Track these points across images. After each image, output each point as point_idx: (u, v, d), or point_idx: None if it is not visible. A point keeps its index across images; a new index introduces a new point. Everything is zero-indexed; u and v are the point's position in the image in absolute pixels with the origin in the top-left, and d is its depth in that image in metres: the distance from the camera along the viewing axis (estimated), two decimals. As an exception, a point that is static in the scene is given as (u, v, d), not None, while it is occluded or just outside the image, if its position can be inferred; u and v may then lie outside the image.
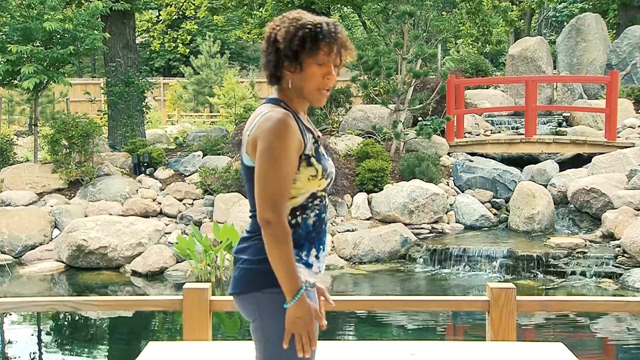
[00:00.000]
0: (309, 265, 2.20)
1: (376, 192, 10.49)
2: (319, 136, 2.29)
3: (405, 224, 9.88)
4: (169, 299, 4.01)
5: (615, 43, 17.49)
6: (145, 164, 11.90)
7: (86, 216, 10.20)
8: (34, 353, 6.48)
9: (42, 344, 6.81)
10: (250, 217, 2.25)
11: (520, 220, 9.98)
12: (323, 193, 2.24)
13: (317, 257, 2.23)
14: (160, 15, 24.76)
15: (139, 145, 12.34)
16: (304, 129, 2.19)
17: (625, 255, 8.48)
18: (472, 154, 12.21)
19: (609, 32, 19.66)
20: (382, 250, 9.36)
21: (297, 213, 2.19)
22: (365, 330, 6.96)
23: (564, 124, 14.30)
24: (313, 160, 2.18)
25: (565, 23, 22.07)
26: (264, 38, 2.23)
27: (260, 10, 19.49)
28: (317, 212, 2.23)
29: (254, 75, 27.56)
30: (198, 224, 9.96)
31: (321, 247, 2.25)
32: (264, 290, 2.16)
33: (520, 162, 12.39)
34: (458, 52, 25.85)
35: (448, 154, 12.08)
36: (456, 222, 10.37)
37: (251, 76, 26.75)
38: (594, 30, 17.17)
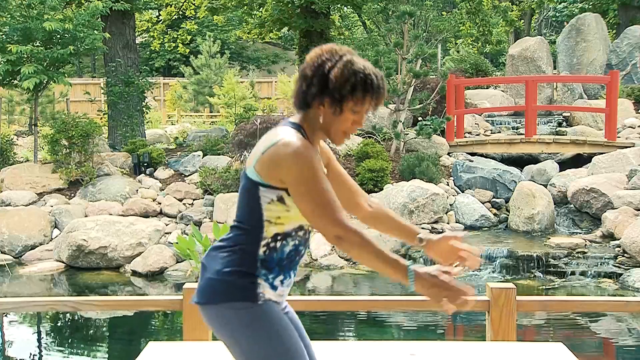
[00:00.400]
0: (273, 287, 2.19)
1: (376, 192, 10.49)
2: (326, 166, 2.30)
3: (405, 224, 9.86)
4: (169, 299, 4.01)
5: (615, 43, 17.49)
6: (145, 164, 11.90)
7: (86, 216, 10.20)
8: (34, 353, 6.48)
9: (42, 344, 6.82)
10: (231, 227, 2.24)
11: (520, 220, 9.98)
12: (309, 227, 2.24)
13: (282, 282, 2.23)
14: (160, 15, 24.78)
15: (139, 145, 12.34)
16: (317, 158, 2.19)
17: (625, 255, 8.48)
18: (472, 154, 12.21)
19: (609, 32, 19.66)
20: (382, 250, 9.34)
21: (279, 238, 2.19)
22: (365, 330, 6.96)
23: (564, 124, 14.30)
24: None
25: (565, 23, 22.08)
26: (308, 65, 2.19)
27: (260, 10, 19.49)
28: (297, 243, 2.23)
29: (254, 75, 27.55)
30: (198, 224, 9.96)
31: (289, 275, 2.25)
32: (229, 303, 2.15)
33: (520, 162, 12.39)
34: (458, 52, 25.85)
35: (448, 154, 12.08)
36: (456, 222, 10.36)
37: (251, 76, 26.74)
38: (594, 30, 17.17)
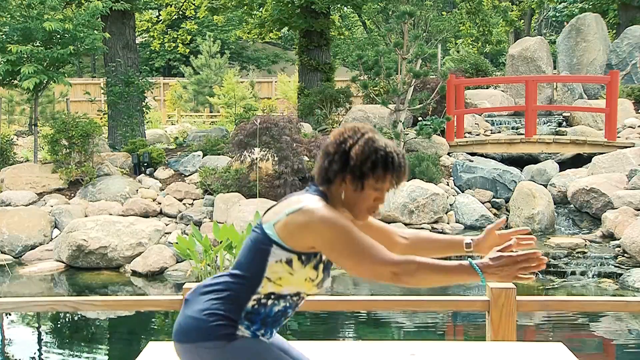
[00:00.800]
0: (254, 335, 2.19)
1: (376, 192, 10.48)
2: None
3: (405, 224, 9.87)
4: (169, 299, 4.01)
5: (615, 43, 17.49)
6: (145, 164, 11.90)
7: (86, 216, 10.20)
8: (34, 353, 6.48)
9: (42, 344, 6.81)
10: (229, 273, 2.23)
11: (520, 220, 9.98)
12: (304, 296, 2.26)
13: (262, 335, 2.23)
14: (160, 15, 24.78)
15: (139, 145, 12.34)
16: None
17: (625, 255, 8.48)
18: (472, 154, 12.21)
19: (609, 32, 19.65)
20: (382, 250, 9.34)
21: (272, 297, 2.19)
22: (365, 330, 6.96)
23: (564, 124, 14.30)
24: (321, 266, 2.20)
25: (565, 23, 22.07)
26: (331, 142, 2.22)
27: (260, 10, 19.49)
28: (287, 305, 2.23)
29: (254, 75, 27.56)
30: (198, 224, 9.96)
31: (270, 331, 2.25)
32: (205, 343, 2.15)
33: (520, 162, 12.39)
34: (458, 52, 25.86)
35: (448, 154, 12.08)
36: (456, 222, 10.37)
37: (251, 76, 26.75)
38: (594, 30, 17.17)
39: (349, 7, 18.64)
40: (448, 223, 10.28)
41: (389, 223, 9.89)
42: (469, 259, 2.13)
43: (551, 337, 6.56)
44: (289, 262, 2.15)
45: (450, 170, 11.55)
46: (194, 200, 10.83)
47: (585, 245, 9.00)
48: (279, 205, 2.22)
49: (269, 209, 2.24)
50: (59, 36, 12.17)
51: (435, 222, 10.17)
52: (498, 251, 2.13)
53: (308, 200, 2.16)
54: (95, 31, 12.50)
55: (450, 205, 10.53)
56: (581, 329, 6.90)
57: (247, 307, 2.16)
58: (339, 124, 13.72)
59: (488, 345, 3.28)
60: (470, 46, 26.70)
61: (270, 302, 2.18)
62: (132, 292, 8.41)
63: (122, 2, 13.24)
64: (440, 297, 3.84)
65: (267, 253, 2.16)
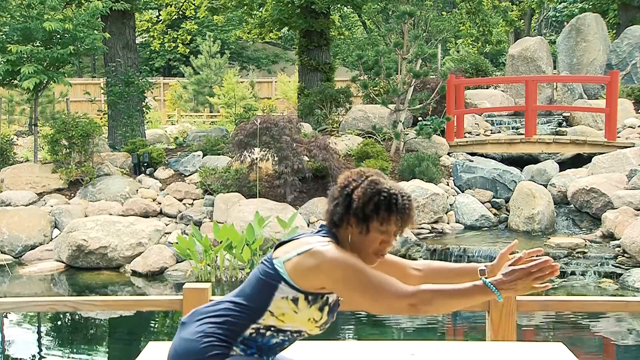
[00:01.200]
0: (248, 354, 2.20)
1: (376, 192, 10.47)
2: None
3: (405, 224, 9.86)
4: (169, 299, 4.00)
5: (615, 43, 17.49)
6: (145, 164, 11.90)
7: (86, 216, 10.20)
8: (34, 353, 6.48)
9: (42, 344, 6.81)
10: (231, 301, 2.24)
11: (520, 220, 9.98)
12: (305, 334, 2.27)
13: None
14: (160, 15, 24.78)
15: (139, 145, 12.34)
16: None
17: (625, 255, 8.48)
18: (472, 154, 12.21)
19: (609, 32, 19.66)
20: (382, 250, 9.34)
21: (271, 329, 2.20)
22: (365, 330, 6.96)
23: (564, 124, 14.30)
24: (326, 308, 2.22)
25: (565, 23, 22.07)
26: (336, 186, 2.24)
27: (260, 10, 19.49)
28: (285, 339, 2.24)
29: (254, 75, 27.57)
30: (198, 224, 9.96)
31: (265, 358, 2.26)
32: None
33: (520, 162, 12.39)
34: (458, 52, 25.86)
35: (448, 154, 12.08)
36: (456, 222, 10.37)
37: (251, 76, 26.76)
38: (594, 30, 17.17)
39: (349, 7, 18.63)
40: (448, 223, 10.28)
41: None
42: (482, 278, 2.13)
43: (551, 337, 6.56)
44: (294, 301, 2.16)
45: (450, 170, 11.55)
46: (194, 200, 10.83)
47: (585, 245, 9.00)
48: (290, 244, 2.22)
49: (279, 245, 2.25)
50: (59, 36, 12.17)
51: (435, 222, 10.17)
52: (509, 266, 2.13)
53: (318, 242, 2.17)
54: (95, 31, 12.50)
55: (450, 205, 10.53)
56: (581, 329, 6.90)
57: (245, 334, 2.18)
58: (339, 124, 13.72)
59: (488, 345, 3.28)
60: (470, 46, 26.71)
61: (269, 333, 2.20)
62: (132, 292, 8.41)
63: (122, 2, 13.24)
64: (440, 297, 3.84)
65: (274, 288, 2.17)
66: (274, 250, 2.25)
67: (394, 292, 2.09)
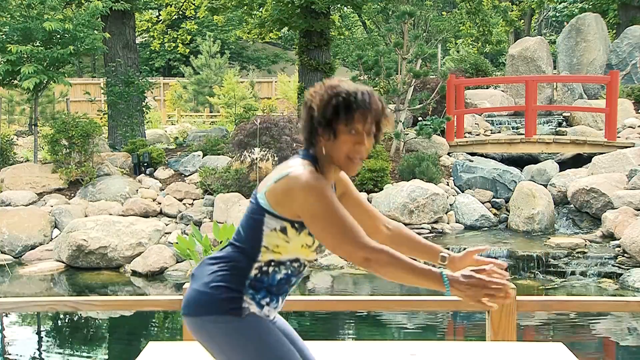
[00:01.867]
0: (260, 306, 2.19)
1: (376, 192, 10.49)
2: None
3: (405, 224, 9.86)
4: (169, 299, 4.00)
5: (615, 43, 17.49)
6: (145, 164, 11.90)
7: (86, 216, 10.20)
8: (34, 353, 6.48)
9: (42, 344, 6.82)
10: (228, 243, 2.25)
11: (520, 220, 9.98)
12: (306, 262, 2.25)
13: (268, 304, 2.22)
14: (160, 15, 24.78)
15: (139, 145, 12.34)
16: None
17: (625, 255, 8.48)
18: (472, 154, 12.21)
19: (609, 32, 19.66)
20: (382, 250, 9.34)
21: (272, 264, 2.20)
22: (365, 330, 6.96)
23: (564, 124, 14.30)
24: None
25: (565, 23, 22.07)
26: (303, 103, 2.23)
27: (260, 10, 19.48)
28: (290, 272, 2.23)
29: (254, 75, 27.56)
30: (198, 223, 9.96)
31: (276, 300, 2.25)
32: (211, 317, 2.16)
33: (520, 162, 12.39)
34: (458, 52, 25.85)
35: (448, 154, 12.08)
36: (456, 222, 10.37)
37: (251, 76, 26.75)
38: (594, 30, 17.17)
39: (349, 7, 18.63)
40: (448, 223, 10.28)
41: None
42: (441, 268, 2.11)
43: (551, 337, 6.56)
44: (283, 230, 2.15)
45: (450, 170, 11.55)
46: (194, 200, 10.83)
47: (585, 245, 9.00)
48: (270, 173, 2.23)
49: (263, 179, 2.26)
50: (59, 36, 12.17)
51: (435, 222, 10.17)
52: (472, 271, 2.10)
53: (295, 166, 2.16)
54: (95, 31, 12.50)
55: (450, 205, 10.53)
56: (581, 329, 6.90)
57: (250, 276, 2.17)
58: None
59: (488, 345, 3.28)
60: (470, 46, 26.69)
61: (271, 269, 2.19)
62: (132, 292, 8.41)
63: (122, 2, 13.24)
64: (440, 297, 3.84)
65: (261, 223, 2.17)
66: (258, 185, 2.25)
67: (356, 241, 2.07)
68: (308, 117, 2.18)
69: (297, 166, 2.15)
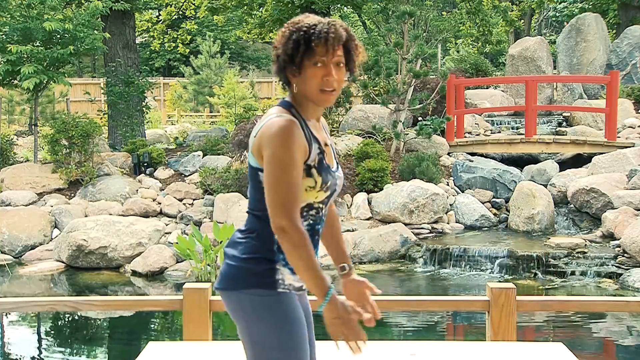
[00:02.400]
0: (293, 271, 2.18)
1: (376, 192, 10.49)
2: (326, 144, 2.25)
3: (405, 224, 9.87)
4: (169, 299, 4.01)
5: (615, 43, 17.49)
6: (145, 164, 11.90)
7: (86, 216, 10.20)
8: (34, 353, 6.48)
9: (42, 344, 6.81)
10: (247, 213, 2.26)
11: (520, 220, 9.98)
12: (320, 205, 2.22)
13: None
14: (160, 15, 24.76)
15: (139, 145, 12.34)
16: (310, 137, 2.17)
17: (625, 255, 8.48)
18: (472, 154, 12.21)
19: (609, 32, 19.66)
20: (382, 250, 9.36)
21: None
22: (366, 330, 6.95)
23: (564, 124, 14.30)
24: (314, 171, 2.16)
25: (565, 23, 22.08)
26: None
27: (260, 10, 19.49)
28: (311, 222, 2.22)
29: (254, 75, 27.56)
30: (198, 224, 9.96)
31: None
32: (247, 290, 2.16)
33: (520, 162, 12.38)
34: (458, 52, 25.85)
35: (448, 154, 12.08)
36: (456, 222, 10.36)
37: (251, 76, 26.75)
38: (594, 30, 17.17)
39: (349, 7, 18.64)
40: (448, 223, 10.28)
41: (388, 223, 9.89)
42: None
43: (551, 337, 6.56)
44: None
45: (450, 170, 11.55)
46: (194, 200, 10.83)
47: (585, 245, 9.00)
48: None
49: None
50: (59, 36, 12.16)
51: (435, 222, 10.17)
52: (361, 307, 2.14)
53: (270, 115, 2.15)
54: (95, 31, 12.50)
55: (450, 205, 10.53)
56: (581, 329, 6.90)
57: (275, 239, 2.14)
58: (339, 124, 13.72)
59: (488, 345, 3.28)
60: (470, 46, 26.68)
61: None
62: (132, 292, 8.41)
63: (122, 2, 13.24)
64: (440, 297, 3.84)
65: (259, 182, 2.16)
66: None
67: (287, 209, 2.05)
68: (275, 57, 2.17)
69: (272, 115, 2.15)
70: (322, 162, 2.18)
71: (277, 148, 2.07)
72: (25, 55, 11.65)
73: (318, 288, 2.07)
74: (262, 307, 2.15)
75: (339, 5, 17.40)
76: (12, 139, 13.72)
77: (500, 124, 14.58)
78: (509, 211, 10.44)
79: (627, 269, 8.20)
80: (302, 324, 2.21)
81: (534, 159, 12.59)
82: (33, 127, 13.05)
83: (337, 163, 2.30)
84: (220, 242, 8.66)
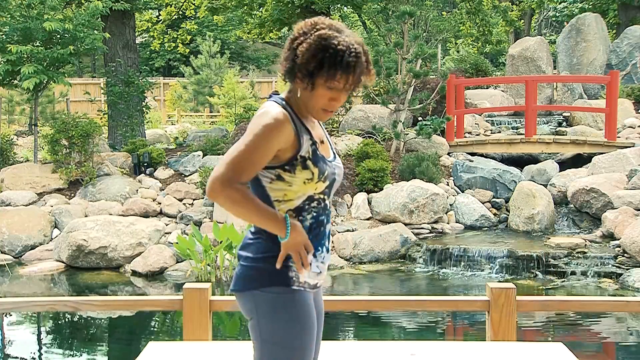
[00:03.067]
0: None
1: (376, 192, 10.49)
2: (322, 141, 2.26)
3: (405, 224, 9.88)
4: (169, 299, 4.01)
5: (615, 43, 17.49)
6: (145, 164, 11.90)
7: (86, 216, 10.20)
8: (34, 353, 6.48)
9: (42, 344, 6.81)
10: None
11: (520, 220, 9.98)
12: (322, 196, 2.23)
13: (314, 256, 2.22)
14: (160, 15, 24.77)
15: (139, 145, 12.34)
16: (301, 129, 2.17)
17: (625, 255, 8.48)
18: (472, 154, 12.21)
19: (609, 32, 19.66)
20: (382, 250, 9.36)
21: (294, 216, 2.19)
22: (365, 330, 6.96)
23: (564, 124, 14.30)
24: (309, 163, 2.16)
25: (565, 23, 22.07)
26: (291, 36, 2.19)
27: (260, 10, 19.49)
28: (315, 214, 2.22)
29: (254, 75, 27.56)
30: (198, 223, 9.96)
31: (319, 248, 2.24)
32: (262, 288, 2.18)
33: (520, 162, 12.38)
34: (458, 52, 25.86)
35: (448, 154, 12.08)
36: (456, 222, 10.36)
37: (251, 76, 26.75)
38: (594, 30, 17.17)
39: (349, 7, 18.64)
40: (448, 223, 10.28)
41: (388, 223, 9.89)
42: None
43: (551, 337, 6.56)
44: (279, 178, 2.16)
45: (450, 170, 11.55)
46: (194, 200, 10.83)
47: (585, 245, 9.00)
48: None
49: None
50: (59, 36, 12.16)
51: (435, 222, 10.17)
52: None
53: (264, 107, 2.17)
54: (95, 31, 12.50)
55: (450, 205, 10.53)
56: (581, 329, 6.90)
57: None
58: (339, 124, 13.72)
59: (488, 345, 3.28)
60: (470, 46, 26.69)
61: (296, 220, 2.18)
62: (132, 292, 8.41)
63: (122, 2, 13.24)
64: (440, 297, 3.85)
65: (259, 180, 2.19)
66: None
67: (230, 175, 2.09)
68: (290, 58, 2.14)
69: (265, 108, 2.17)
70: (316, 153, 2.19)
71: (257, 127, 2.11)
72: (25, 55, 11.64)
73: (276, 227, 2.12)
74: (277, 305, 2.17)
75: (339, 5, 17.40)
76: (12, 139, 13.71)
77: (500, 124, 14.58)
78: (509, 211, 10.44)
79: (627, 269, 8.20)
80: (312, 325, 2.21)
81: (534, 159, 12.59)
82: (33, 127, 13.05)
83: (334, 154, 2.31)
84: (220, 242, 8.66)
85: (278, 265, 2.16)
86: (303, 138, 2.16)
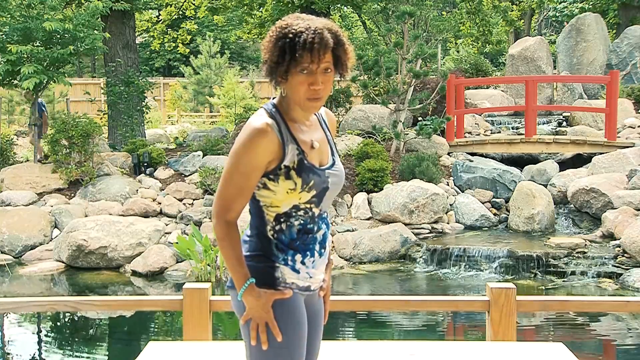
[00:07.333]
0: (295, 270, 2.21)
1: (376, 192, 10.49)
2: (312, 147, 2.21)
3: (405, 224, 9.88)
4: (169, 299, 4.01)
5: (615, 43, 17.49)
6: (145, 164, 11.89)
7: (86, 216, 10.20)
8: (34, 353, 6.48)
9: (42, 344, 6.82)
10: (249, 213, 2.31)
11: (520, 220, 9.98)
12: (308, 205, 2.20)
13: (302, 262, 2.22)
14: (160, 15, 24.76)
15: (139, 145, 12.34)
16: (287, 138, 2.14)
17: (625, 255, 8.48)
18: (472, 154, 12.21)
19: (609, 32, 19.66)
20: (382, 250, 9.36)
21: (281, 220, 2.20)
22: (365, 330, 6.96)
23: (564, 124, 14.31)
24: (292, 173, 2.14)
25: (565, 23, 22.07)
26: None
27: (260, 10, 19.49)
28: (302, 221, 2.21)
29: (254, 75, 27.55)
30: (198, 223, 9.96)
31: (307, 253, 2.23)
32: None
33: (520, 162, 12.39)
34: (458, 52, 25.85)
35: (448, 154, 12.08)
36: (456, 222, 10.37)
37: (251, 76, 26.75)
38: (594, 30, 17.17)
39: (349, 7, 18.63)
40: (448, 223, 10.28)
41: (388, 223, 9.89)
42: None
43: (551, 337, 6.56)
44: (264, 186, 2.17)
45: (450, 170, 11.55)
46: (194, 200, 10.83)
47: (585, 245, 9.00)
48: None
49: None
50: (59, 36, 12.16)
51: (435, 222, 10.17)
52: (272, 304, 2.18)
53: (253, 116, 2.18)
54: (95, 31, 12.49)
55: (450, 205, 10.53)
56: (581, 329, 6.90)
57: (272, 240, 2.20)
58: (339, 124, 13.72)
59: (488, 345, 3.28)
60: (470, 46, 26.68)
61: (284, 225, 2.20)
62: (132, 292, 8.41)
63: (122, 2, 13.24)
64: (440, 297, 3.85)
65: None
66: None
67: (218, 206, 2.15)
68: (263, 61, 2.15)
69: (250, 119, 2.17)
70: (302, 163, 2.16)
71: (239, 146, 2.12)
72: (25, 55, 11.64)
73: (238, 276, 2.16)
74: None
75: (339, 5, 17.39)
76: (12, 139, 13.71)
77: (500, 124, 14.58)
78: (509, 211, 10.44)
79: (627, 269, 8.20)
80: (298, 324, 2.21)
81: (534, 159, 12.59)
82: (33, 127, 13.05)
83: (333, 159, 2.28)
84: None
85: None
86: (288, 147, 2.14)
